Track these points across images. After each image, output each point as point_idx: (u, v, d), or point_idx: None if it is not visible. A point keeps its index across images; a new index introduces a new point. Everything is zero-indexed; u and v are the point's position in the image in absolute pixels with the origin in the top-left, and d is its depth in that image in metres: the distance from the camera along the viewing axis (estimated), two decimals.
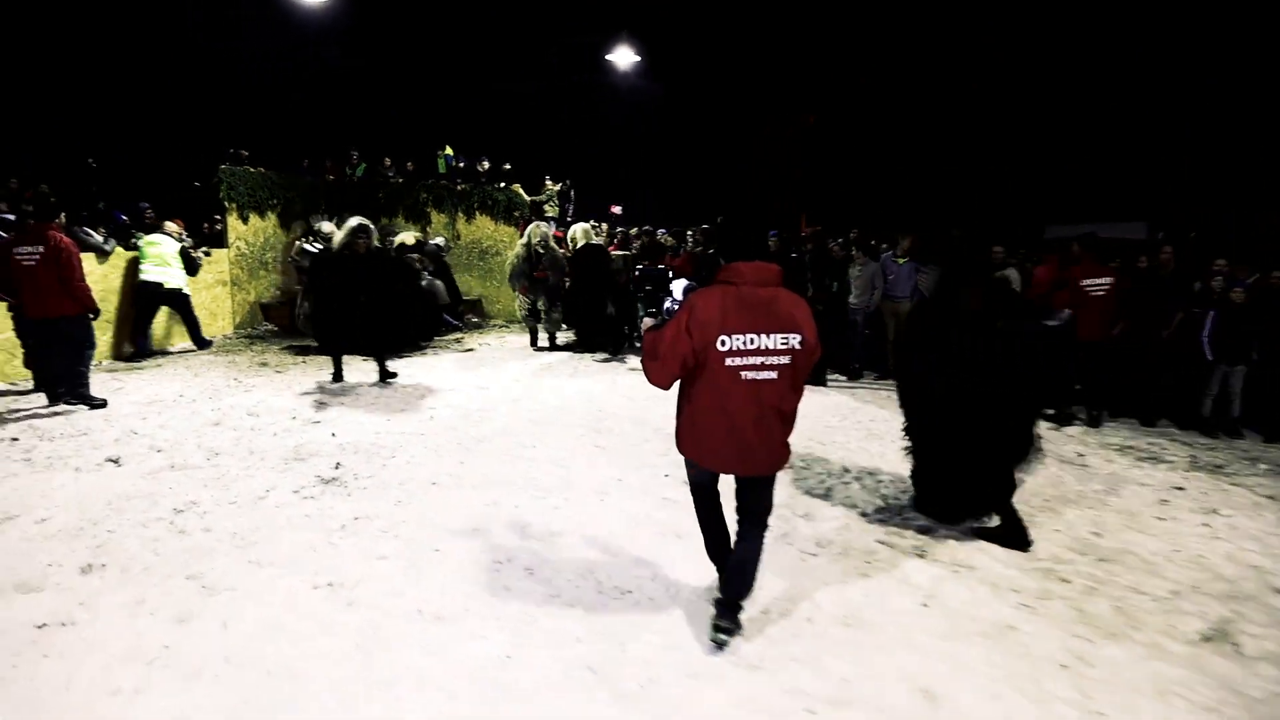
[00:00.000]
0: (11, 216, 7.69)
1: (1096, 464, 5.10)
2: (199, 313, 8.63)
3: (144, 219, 8.98)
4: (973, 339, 3.50)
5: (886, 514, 4.00)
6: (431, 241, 10.25)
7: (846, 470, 4.69)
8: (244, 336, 9.81)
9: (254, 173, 10.27)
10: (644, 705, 2.35)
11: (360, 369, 7.22)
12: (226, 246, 9.89)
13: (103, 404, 5.74)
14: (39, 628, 2.64)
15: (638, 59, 17.82)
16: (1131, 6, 13.95)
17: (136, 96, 15.23)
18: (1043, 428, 5.86)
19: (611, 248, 10.22)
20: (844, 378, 7.70)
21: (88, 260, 6.87)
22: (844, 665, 2.57)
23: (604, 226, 12.73)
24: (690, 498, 2.87)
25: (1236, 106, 13.12)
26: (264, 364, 7.79)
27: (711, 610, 2.72)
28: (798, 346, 2.49)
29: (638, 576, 3.17)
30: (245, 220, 10.12)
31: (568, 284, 8.69)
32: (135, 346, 7.92)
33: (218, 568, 3.13)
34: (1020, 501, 4.18)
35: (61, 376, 5.71)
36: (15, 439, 4.86)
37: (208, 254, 9.15)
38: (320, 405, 5.94)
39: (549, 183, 13.78)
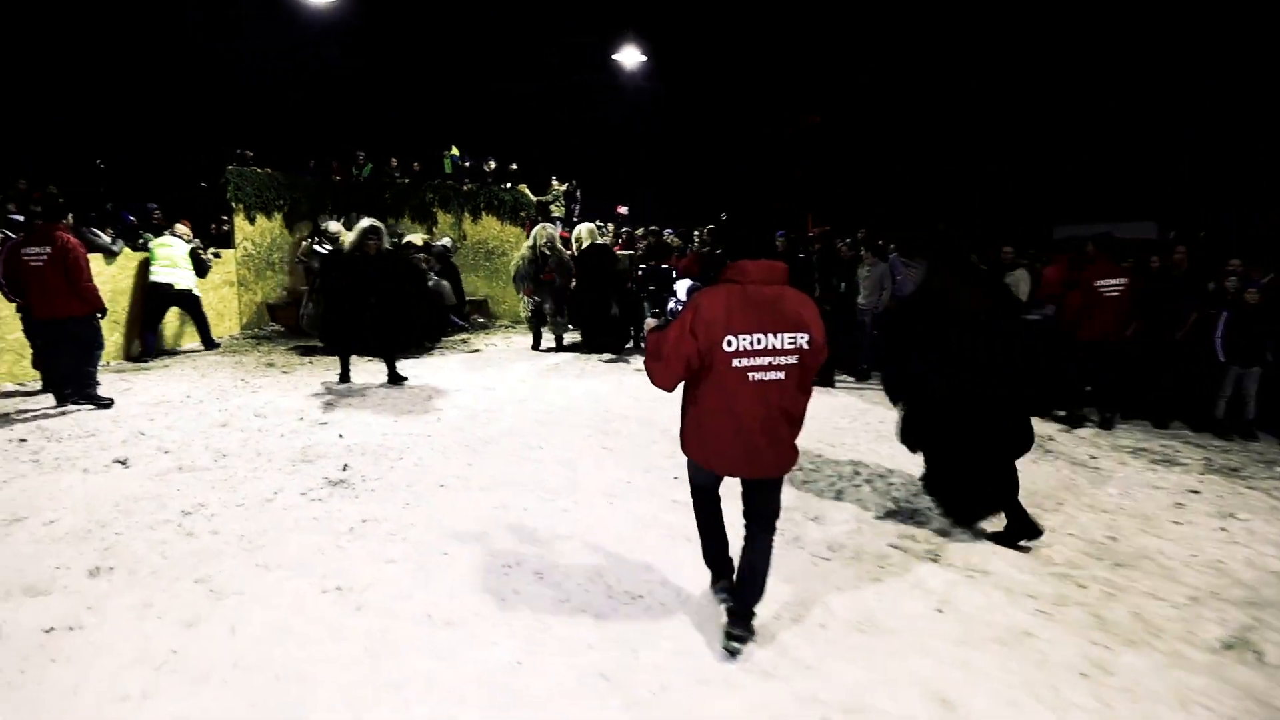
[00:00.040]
0: (20, 217, 7.72)
1: (1109, 467, 5.04)
2: (206, 313, 8.65)
3: (151, 220, 9.02)
4: (960, 334, 3.52)
5: (898, 517, 3.95)
6: (438, 242, 10.24)
7: (857, 473, 4.65)
8: (251, 337, 9.82)
9: (261, 173, 10.29)
10: (657, 713, 2.32)
11: (366, 369, 7.22)
12: (233, 247, 9.91)
13: (109, 404, 5.74)
14: (47, 631, 2.63)
15: (641, 59, 17.80)
16: (1132, 7, 13.91)
17: (138, 97, 15.29)
18: (1054, 429, 5.89)
19: (616, 248, 10.20)
20: (852, 379, 7.66)
21: (95, 261, 6.88)
22: (858, 672, 2.54)
23: (610, 227, 12.72)
24: (692, 495, 2.83)
25: (1236, 106, 13.08)
26: (271, 364, 7.79)
27: (723, 618, 2.69)
28: (805, 346, 2.44)
29: (648, 581, 3.14)
30: (252, 221, 10.14)
31: (574, 285, 8.66)
32: (143, 345, 7.95)
33: (225, 570, 3.11)
34: (1033, 505, 4.15)
35: (69, 377, 5.71)
36: (24, 440, 4.86)
37: (217, 255, 9.17)
38: (327, 406, 5.93)
39: (555, 183, 13.76)
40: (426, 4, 17.90)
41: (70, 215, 6.07)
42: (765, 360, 2.42)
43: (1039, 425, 5.98)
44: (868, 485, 4.42)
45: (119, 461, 4.45)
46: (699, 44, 18.96)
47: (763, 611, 2.74)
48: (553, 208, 13.23)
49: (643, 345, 8.43)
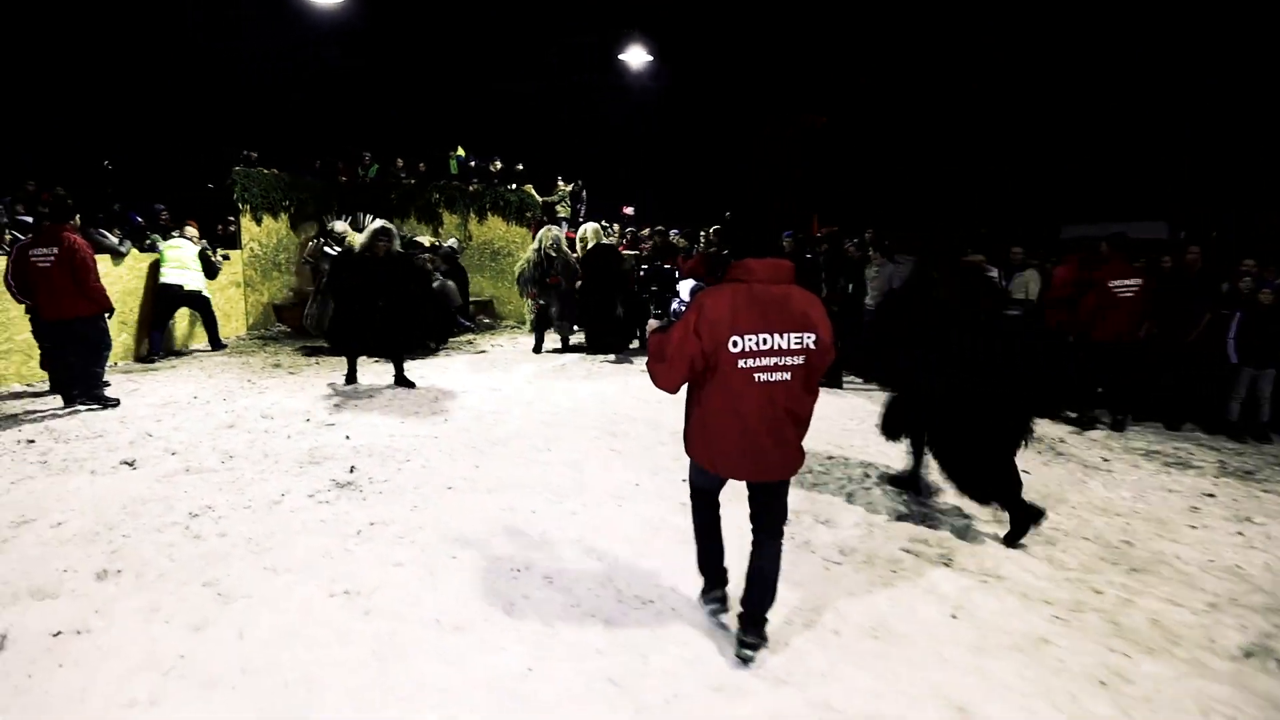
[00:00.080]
0: (29, 219, 7.75)
1: (1122, 469, 4.99)
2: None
3: (159, 221, 9.04)
4: (947, 331, 3.56)
5: (909, 519, 3.91)
6: (446, 243, 10.23)
7: (866, 475, 4.61)
8: (257, 338, 9.82)
9: (268, 174, 10.29)
10: None
11: (373, 370, 7.20)
12: (240, 248, 9.91)
13: (116, 403, 5.75)
14: (54, 635, 2.61)
15: (644, 60, 17.78)
16: (1132, 7, 13.86)
17: (143, 98, 15.34)
18: (1065, 431, 5.83)
19: (621, 248, 10.17)
20: (860, 380, 7.60)
21: (103, 262, 6.89)
22: (873, 680, 2.50)
23: (615, 227, 12.69)
24: (692, 499, 2.80)
25: (1236, 107, 13.02)
26: (277, 365, 7.79)
27: (734, 623, 2.66)
28: (812, 346, 2.40)
29: (658, 585, 3.11)
30: (259, 222, 10.15)
31: (579, 285, 8.63)
32: (149, 345, 7.97)
33: (233, 574, 3.09)
34: (1047, 509, 4.11)
35: (77, 377, 5.72)
36: (32, 441, 4.86)
37: (226, 258, 9.19)
38: (334, 407, 5.92)
39: (561, 183, 13.74)
40: (427, 4, 17.93)
41: (78, 216, 6.07)
42: (771, 361, 2.38)
43: (1049, 428, 5.96)
44: (878, 488, 4.38)
45: (126, 463, 4.45)
46: (698, 44, 18.94)
47: (774, 617, 2.70)
48: (559, 208, 13.21)
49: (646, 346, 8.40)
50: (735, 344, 2.35)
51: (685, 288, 2.90)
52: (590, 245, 8.77)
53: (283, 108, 16.87)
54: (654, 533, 3.63)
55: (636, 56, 17.59)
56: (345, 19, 15.79)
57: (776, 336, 2.36)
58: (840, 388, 7.14)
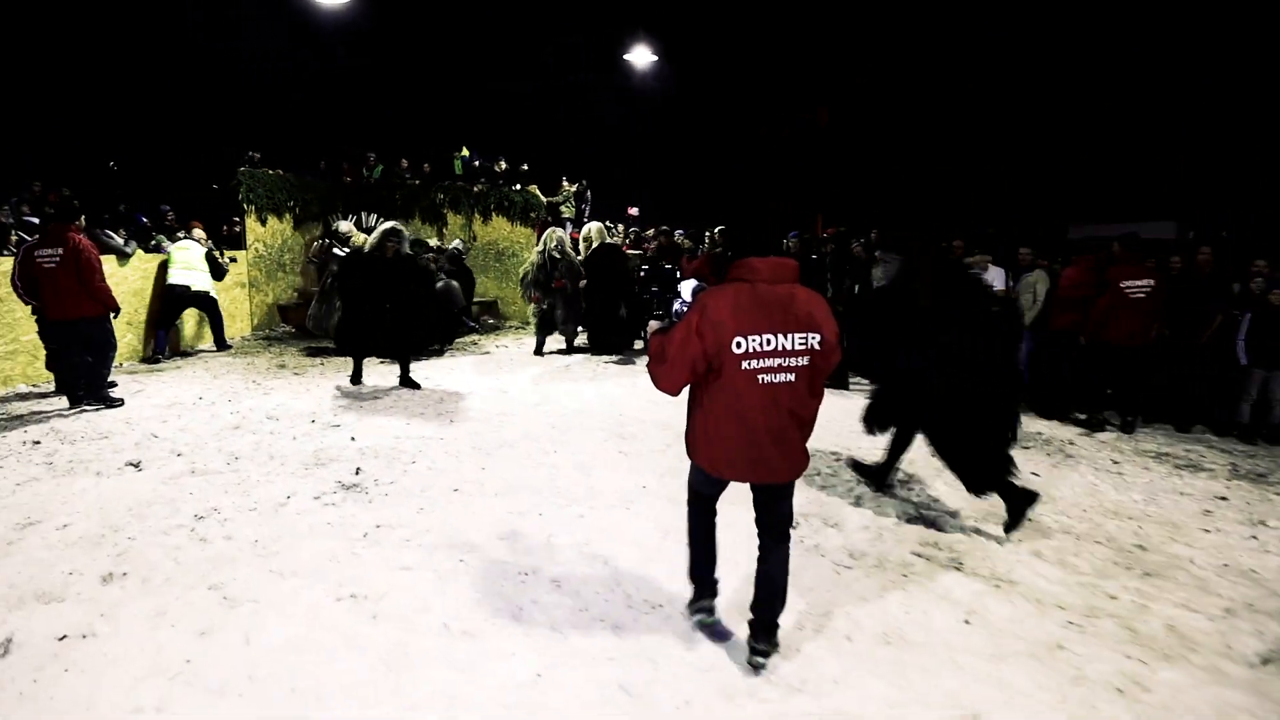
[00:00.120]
0: (35, 219, 7.75)
1: (1133, 472, 4.94)
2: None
3: (164, 221, 9.05)
4: (944, 330, 3.58)
5: (919, 523, 3.87)
6: (451, 244, 10.21)
7: None
8: (262, 338, 9.83)
9: (272, 175, 10.30)
10: None
11: (378, 371, 7.19)
12: (245, 248, 9.91)
13: (120, 403, 5.75)
14: (60, 640, 2.59)
15: (644, 60, 17.76)
16: (1131, 8, 13.83)
17: (147, 98, 15.36)
18: (1075, 433, 5.79)
19: (625, 248, 10.14)
20: (866, 381, 7.55)
21: (109, 263, 6.89)
22: (887, 687, 2.47)
23: (619, 227, 12.66)
24: (690, 504, 2.76)
25: (1233, 106, 12.99)
26: (282, 366, 7.78)
27: (745, 629, 2.62)
28: (817, 347, 2.36)
29: (667, 590, 3.08)
30: (264, 222, 10.15)
31: (583, 286, 8.59)
32: (155, 345, 7.97)
33: (239, 578, 3.07)
34: (1058, 512, 4.08)
35: (82, 378, 5.71)
36: (37, 442, 4.85)
37: (233, 259, 9.19)
38: (339, 408, 5.90)
39: (565, 183, 13.72)
40: (427, 4, 17.93)
41: (83, 217, 6.07)
42: (775, 362, 2.33)
43: (1059, 430, 5.92)
44: (887, 490, 4.34)
45: (132, 464, 4.43)
46: (698, 44, 18.92)
47: (785, 622, 2.67)
48: (563, 208, 13.19)
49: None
50: (738, 345, 2.30)
51: (686, 288, 2.86)
52: (595, 245, 8.75)
53: (285, 108, 16.89)
54: (663, 536, 3.60)
55: (636, 56, 17.57)
56: (349, 19, 15.79)
57: (780, 337, 2.32)
58: (846, 389, 7.10)
